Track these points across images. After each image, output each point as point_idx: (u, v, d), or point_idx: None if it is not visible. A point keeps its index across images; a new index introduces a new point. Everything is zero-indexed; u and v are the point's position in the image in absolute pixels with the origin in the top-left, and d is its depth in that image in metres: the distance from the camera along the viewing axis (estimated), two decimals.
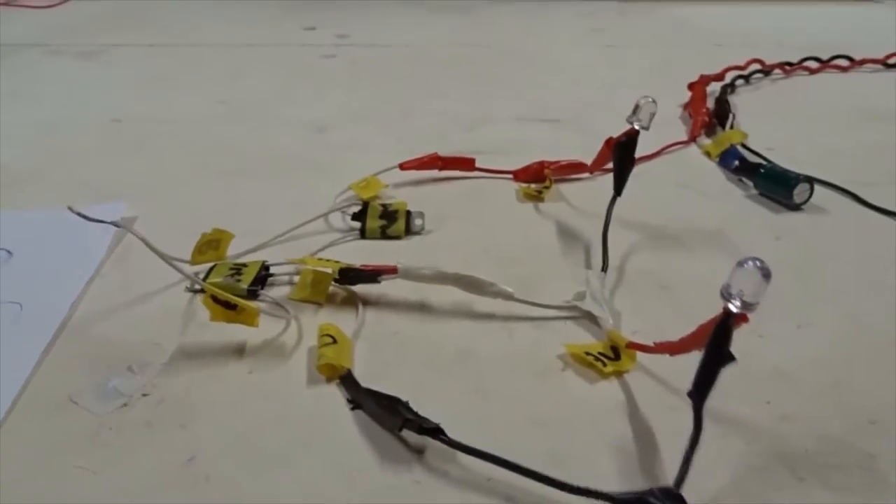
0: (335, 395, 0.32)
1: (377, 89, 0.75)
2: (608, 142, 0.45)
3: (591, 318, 0.36)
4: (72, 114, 0.66)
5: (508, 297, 0.36)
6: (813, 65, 0.79)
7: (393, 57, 0.88)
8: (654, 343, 0.31)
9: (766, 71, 0.76)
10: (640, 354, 0.33)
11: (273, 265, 0.40)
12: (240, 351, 0.34)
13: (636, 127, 0.42)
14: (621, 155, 0.42)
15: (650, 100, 0.41)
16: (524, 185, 0.51)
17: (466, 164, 0.53)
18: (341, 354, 0.32)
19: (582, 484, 0.24)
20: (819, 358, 0.34)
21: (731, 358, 0.25)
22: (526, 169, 0.52)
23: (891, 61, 0.81)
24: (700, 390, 0.25)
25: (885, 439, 0.29)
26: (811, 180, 0.48)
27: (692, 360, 0.26)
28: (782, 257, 0.42)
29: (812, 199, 0.48)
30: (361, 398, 0.30)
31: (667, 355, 0.29)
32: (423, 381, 0.32)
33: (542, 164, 0.52)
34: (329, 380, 0.32)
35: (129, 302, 0.38)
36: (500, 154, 0.56)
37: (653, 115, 0.42)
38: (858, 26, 1.03)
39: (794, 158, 0.54)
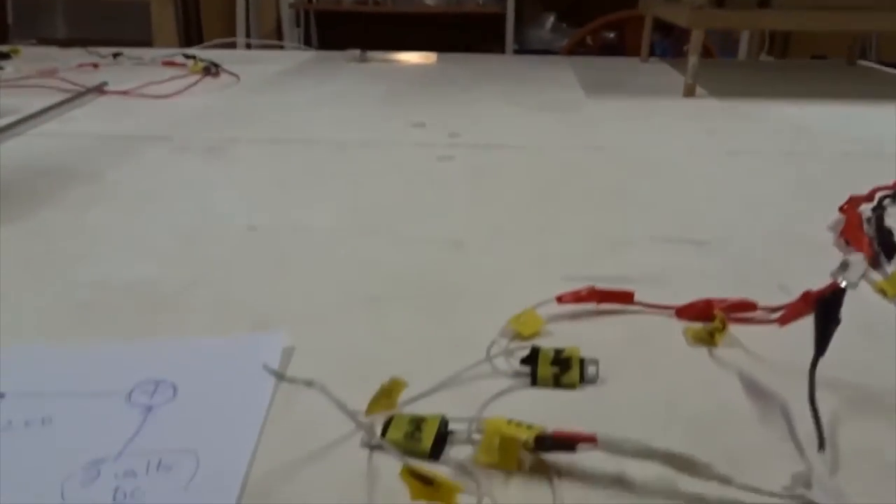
0: None
1: (504, 197, 0.74)
2: (805, 296, 0.42)
3: None
4: (209, 222, 0.67)
5: (726, 481, 0.33)
6: None
7: (510, 160, 0.88)
8: None
9: None
10: None
11: (452, 420, 0.38)
12: None
13: (843, 286, 0.39)
14: (825, 314, 0.39)
15: (863, 259, 0.38)
16: (691, 324, 0.48)
17: (625, 297, 0.50)
18: None
19: None
20: None
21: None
22: (690, 306, 0.49)
23: None
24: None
25: None
26: None
27: None
28: None
29: None
30: None
31: None
32: None
33: (709, 303, 0.49)
34: None
35: (306, 458, 0.36)
36: (652, 283, 0.54)
37: (863, 276, 0.38)
38: None
39: None
